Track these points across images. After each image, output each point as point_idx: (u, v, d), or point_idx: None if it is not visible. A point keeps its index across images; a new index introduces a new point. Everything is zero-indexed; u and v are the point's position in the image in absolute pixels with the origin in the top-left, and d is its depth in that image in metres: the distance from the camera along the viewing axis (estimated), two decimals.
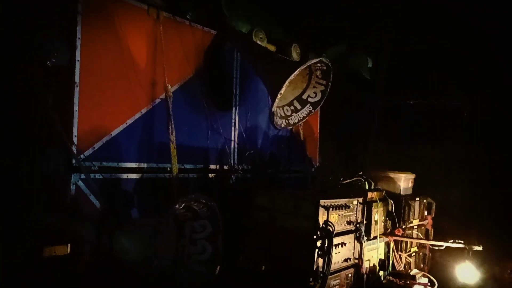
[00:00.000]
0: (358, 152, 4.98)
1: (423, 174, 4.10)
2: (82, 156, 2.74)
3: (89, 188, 2.75)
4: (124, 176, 2.99)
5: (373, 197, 3.18)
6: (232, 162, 3.78)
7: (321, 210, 2.60)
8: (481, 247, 3.03)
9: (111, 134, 2.92)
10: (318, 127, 4.77)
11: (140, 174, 3.07)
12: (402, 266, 3.33)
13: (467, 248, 3.01)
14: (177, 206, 2.27)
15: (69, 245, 2.60)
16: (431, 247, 3.73)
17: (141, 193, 3.05)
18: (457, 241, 3.07)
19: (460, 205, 4.84)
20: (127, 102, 3.01)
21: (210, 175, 3.59)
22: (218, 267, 2.56)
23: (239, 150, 3.87)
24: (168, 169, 3.19)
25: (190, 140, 3.45)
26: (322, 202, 2.61)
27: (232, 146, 3.85)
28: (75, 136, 2.72)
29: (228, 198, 3.27)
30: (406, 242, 3.54)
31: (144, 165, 3.11)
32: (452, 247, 3.34)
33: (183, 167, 3.33)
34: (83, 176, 2.72)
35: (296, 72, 2.99)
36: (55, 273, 2.45)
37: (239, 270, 2.76)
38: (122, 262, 2.37)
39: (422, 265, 3.69)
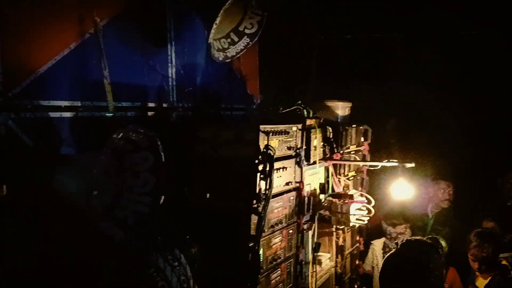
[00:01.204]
0: (299, 89, 5.04)
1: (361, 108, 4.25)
2: (9, 94, 2.60)
3: (21, 128, 2.63)
4: (57, 115, 2.87)
5: (311, 124, 3.26)
6: (171, 99, 3.73)
7: (261, 135, 2.64)
8: (413, 164, 3.21)
9: (39, 71, 2.77)
10: (258, 63, 4.75)
11: (75, 113, 2.97)
12: (341, 189, 3.49)
13: (400, 165, 3.19)
14: (115, 136, 2.23)
15: (4, 186, 2.51)
16: (368, 168, 3.92)
17: (77, 133, 2.95)
18: (390, 160, 3.25)
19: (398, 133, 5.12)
20: (54, 38, 2.85)
21: (149, 113, 3.53)
22: (163, 196, 2.58)
23: (178, 88, 3.81)
24: (105, 107, 3.10)
25: (125, 77, 3.34)
26: (262, 127, 2.65)
27: (171, 83, 3.77)
28: (0, 73, 2.57)
29: (168, 135, 3.24)
30: (344, 166, 3.69)
31: (79, 103, 3.00)
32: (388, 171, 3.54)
33: (120, 105, 3.25)
34: (12, 115, 2.60)
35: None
36: None
37: (184, 200, 2.78)
38: (62, 199, 2.32)
39: (360, 188, 3.88)
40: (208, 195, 2.76)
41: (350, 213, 3.09)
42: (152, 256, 1.40)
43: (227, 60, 3.80)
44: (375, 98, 5.06)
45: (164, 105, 3.67)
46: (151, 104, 3.58)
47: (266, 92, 4.86)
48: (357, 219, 3.20)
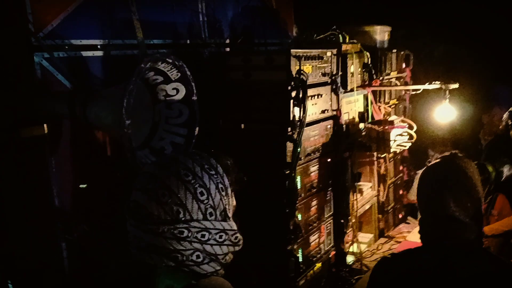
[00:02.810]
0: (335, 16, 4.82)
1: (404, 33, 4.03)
2: (40, 34, 2.62)
3: (55, 67, 2.67)
4: (90, 54, 2.89)
5: (348, 49, 3.12)
6: (203, 35, 3.66)
7: (293, 60, 2.55)
8: (458, 84, 3.04)
9: (68, 10, 2.76)
10: None
11: (107, 51, 2.97)
12: (382, 117, 3.38)
13: (443, 87, 3.03)
14: (142, 65, 2.21)
15: (45, 125, 2.58)
16: (411, 94, 3.76)
17: (110, 72, 2.97)
18: (433, 82, 3.09)
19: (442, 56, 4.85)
20: None
21: (181, 51, 3.49)
22: (197, 128, 2.58)
23: (209, 23, 3.73)
24: (136, 45, 3.08)
25: (154, 14, 3.29)
26: (293, 51, 2.56)
27: (201, 19, 3.69)
28: (30, 13, 2.58)
29: (201, 70, 3.21)
30: (385, 93, 3.56)
31: (110, 42, 2.99)
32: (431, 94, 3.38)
33: (151, 43, 3.22)
34: (46, 55, 2.63)
35: None
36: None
37: (219, 130, 2.77)
38: (99, 131, 2.36)
39: (402, 115, 3.75)
40: (242, 126, 2.73)
41: (391, 139, 3.00)
42: (189, 164, 1.38)
43: None
44: (419, 23, 4.77)
45: (196, 41, 3.62)
46: (182, 41, 3.54)
47: (302, 24, 4.69)
48: (398, 145, 3.10)
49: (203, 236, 1.37)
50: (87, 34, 2.91)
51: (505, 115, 2.57)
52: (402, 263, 1.87)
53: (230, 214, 1.48)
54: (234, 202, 1.54)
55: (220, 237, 1.41)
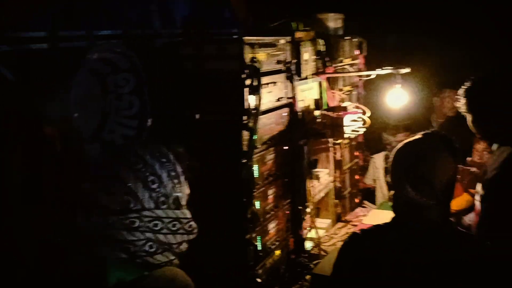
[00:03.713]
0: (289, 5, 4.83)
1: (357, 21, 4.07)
2: None
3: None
4: (37, 46, 2.78)
5: (301, 37, 3.13)
6: (155, 26, 3.59)
7: (247, 48, 2.54)
8: (409, 69, 3.12)
9: (13, 1, 2.64)
10: None
11: (54, 43, 2.86)
12: (336, 103, 3.42)
13: (395, 72, 3.09)
14: (89, 56, 2.14)
15: None
16: (364, 81, 3.83)
17: (58, 64, 2.86)
18: (384, 68, 3.15)
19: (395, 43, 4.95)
20: None
21: (132, 42, 3.40)
22: (149, 119, 2.53)
23: (161, 13, 3.66)
24: (86, 37, 2.98)
25: (104, 4, 3.20)
26: (246, 39, 2.54)
27: (153, 9, 3.62)
28: None
29: (153, 61, 3.15)
30: (339, 80, 3.60)
31: (58, 34, 2.89)
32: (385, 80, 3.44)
33: (101, 34, 3.12)
34: None
35: None
36: None
37: (174, 122, 2.73)
38: (46, 126, 2.29)
39: (356, 101, 3.81)
40: (197, 116, 2.70)
41: (345, 124, 3.04)
42: (139, 152, 1.35)
43: None
44: (373, 10, 4.85)
45: (148, 32, 3.54)
46: (133, 32, 3.46)
47: (257, 13, 4.67)
48: (352, 131, 3.15)
49: (155, 225, 1.35)
50: (34, 26, 2.80)
51: (460, 91, 2.61)
52: (370, 239, 1.92)
53: (183, 203, 1.47)
54: (188, 191, 1.52)
55: (174, 225, 1.39)
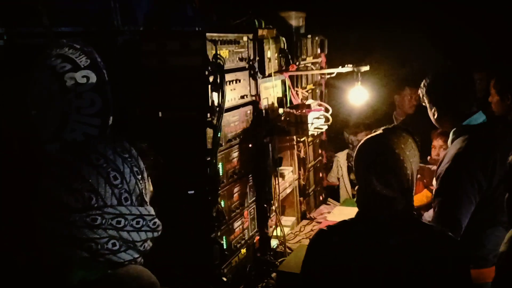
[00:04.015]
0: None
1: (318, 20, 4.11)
2: None
3: None
4: None
5: (264, 35, 3.14)
6: (116, 23, 3.51)
7: (209, 44, 2.52)
8: (368, 67, 3.17)
9: None
10: None
11: (10, 40, 2.75)
12: (300, 101, 3.44)
13: (355, 70, 3.15)
14: (48, 51, 2.07)
15: None
16: (326, 79, 3.87)
17: (13, 61, 2.76)
18: (346, 65, 3.19)
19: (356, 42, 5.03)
20: None
21: (93, 39, 3.32)
22: (111, 117, 2.48)
23: (123, 10, 3.57)
24: (43, 33, 2.88)
25: (63, 0, 3.11)
26: (209, 35, 2.52)
27: (113, 5, 3.54)
28: None
29: (115, 59, 3.08)
30: (302, 78, 3.63)
31: (13, 30, 2.78)
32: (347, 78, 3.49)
33: (60, 30, 3.03)
34: None
35: None
36: None
37: (137, 120, 2.69)
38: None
39: (319, 99, 3.85)
40: (160, 113, 2.67)
41: (308, 122, 3.06)
42: (99, 148, 1.32)
43: None
44: (334, 9, 4.92)
45: (108, 29, 3.46)
46: (94, 29, 3.37)
47: (221, 11, 4.65)
48: (315, 128, 3.18)
49: (118, 222, 1.31)
50: None
51: (424, 82, 2.70)
52: (338, 234, 1.94)
53: (147, 199, 1.44)
54: (151, 188, 1.49)
55: (137, 223, 1.36)
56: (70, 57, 2.28)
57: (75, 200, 1.27)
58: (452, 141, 2.66)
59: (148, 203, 1.43)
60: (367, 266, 1.82)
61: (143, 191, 1.40)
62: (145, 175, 1.42)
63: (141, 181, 1.39)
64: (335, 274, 1.86)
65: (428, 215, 3.55)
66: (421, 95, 2.76)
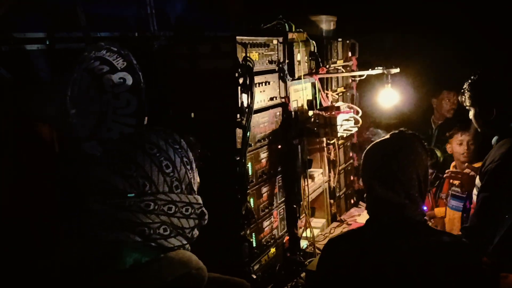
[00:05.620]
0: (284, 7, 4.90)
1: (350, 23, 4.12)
2: None
3: None
4: (34, 47, 2.83)
5: (294, 38, 3.19)
6: (152, 28, 3.64)
7: (239, 47, 2.59)
8: (398, 69, 3.18)
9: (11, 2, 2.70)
10: None
11: (51, 45, 2.91)
12: (329, 104, 3.47)
13: (385, 72, 3.15)
14: (86, 53, 2.19)
15: None
16: (357, 81, 3.89)
17: (55, 65, 2.91)
18: (376, 68, 3.20)
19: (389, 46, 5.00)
20: None
21: (130, 44, 3.45)
22: (146, 117, 2.58)
23: (158, 16, 3.71)
24: (82, 38, 3.03)
25: (101, 7, 3.26)
26: (239, 38, 2.60)
27: (149, 11, 3.68)
28: None
29: (150, 63, 3.20)
30: (332, 81, 3.66)
31: (54, 35, 2.94)
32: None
33: (98, 35, 3.18)
34: None
35: None
36: None
37: (169, 120, 2.78)
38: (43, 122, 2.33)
39: (349, 102, 3.86)
40: (192, 114, 2.75)
41: (338, 124, 3.09)
42: (153, 138, 1.41)
43: None
44: (366, 13, 4.91)
45: (145, 34, 3.59)
46: (131, 34, 3.51)
47: (252, 16, 4.73)
48: (344, 130, 3.20)
49: (169, 209, 1.39)
50: (31, 27, 2.85)
51: (465, 85, 2.68)
52: (347, 241, 1.96)
53: (195, 188, 1.51)
54: (198, 179, 1.57)
55: (187, 210, 1.43)
56: (107, 59, 2.40)
57: (130, 186, 1.35)
58: (498, 141, 2.65)
59: (196, 192, 1.50)
60: (375, 273, 1.80)
61: (192, 180, 1.47)
62: (194, 165, 1.49)
63: (190, 171, 1.46)
64: (344, 281, 1.87)
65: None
66: (463, 98, 2.75)
